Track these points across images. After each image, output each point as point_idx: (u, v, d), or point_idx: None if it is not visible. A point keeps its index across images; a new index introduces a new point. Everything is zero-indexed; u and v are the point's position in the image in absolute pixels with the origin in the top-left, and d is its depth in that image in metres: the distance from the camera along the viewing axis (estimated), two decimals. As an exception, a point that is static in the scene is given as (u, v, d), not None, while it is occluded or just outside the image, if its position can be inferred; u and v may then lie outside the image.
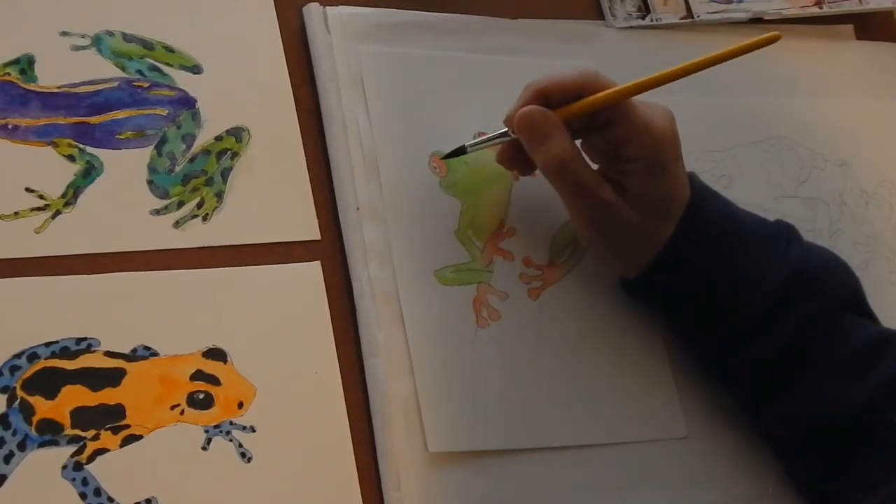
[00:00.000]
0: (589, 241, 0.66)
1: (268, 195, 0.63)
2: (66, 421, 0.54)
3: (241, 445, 0.57)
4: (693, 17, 0.79)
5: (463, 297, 0.64)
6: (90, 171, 0.60)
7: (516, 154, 0.64)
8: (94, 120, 0.61)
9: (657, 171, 0.62)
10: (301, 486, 0.57)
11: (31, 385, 0.54)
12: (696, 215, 0.63)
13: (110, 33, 0.64)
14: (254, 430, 0.57)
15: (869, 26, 0.87)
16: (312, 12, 0.68)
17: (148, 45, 0.64)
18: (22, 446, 0.53)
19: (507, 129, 0.63)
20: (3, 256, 0.56)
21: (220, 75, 0.65)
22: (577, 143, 0.65)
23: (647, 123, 0.61)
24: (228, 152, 0.63)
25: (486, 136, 0.65)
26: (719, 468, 0.66)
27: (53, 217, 0.58)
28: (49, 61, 0.62)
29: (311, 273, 0.62)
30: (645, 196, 0.62)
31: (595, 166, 0.65)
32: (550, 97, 0.62)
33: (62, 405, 0.54)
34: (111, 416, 0.55)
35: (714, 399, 0.67)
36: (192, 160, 0.62)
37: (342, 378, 0.60)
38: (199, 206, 0.61)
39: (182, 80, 0.64)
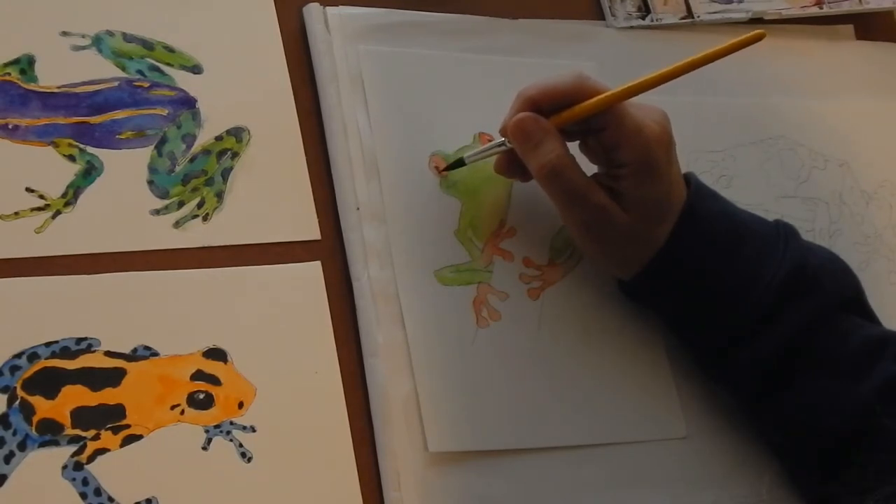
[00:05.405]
0: (583, 245, 0.65)
1: (268, 195, 0.63)
2: (67, 421, 0.54)
3: (241, 445, 0.57)
4: (693, 17, 0.79)
5: (463, 297, 0.64)
6: (90, 171, 0.60)
7: (513, 162, 0.64)
8: (94, 120, 0.61)
9: (649, 175, 0.62)
10: (301, 486, 0.57)
11: (32, 385, 0.54)
12: (693, 217, 0.63)
13: (110, 33, 0.64)
14: (254, 430, 0.57)
15: (869, 26, 0.87)
16: (312, 12, 0.68)
17: (148, 45, 0.64)
18: (22, 446, 0.53)
19: (503, 138, 0.64)
20: (3, 256, 0.56)
21: (220, 75, 0.65)
22: (575, 144, 0.65)
23: (637, 127, 0.61)
24: (228, 152, 0.63)
25: (484, 147, 0.65)
26: (719, 468, 0.66)
27: (53, 217, 0.58)
28: (49, 61, 0.61)
29: (311, 273, 0.62)
30: (638, 199, 0.62)
31: (594, 168, 0.65)
32: (542, 104, 0.62)
33: (62, 405, 0.54)
34: (111, 416, 0.55)
35: (714, 399, 0.67)
36: (192, 160, 0.62)
37: (342, 378, 0.60)
38: (200, 206, 0.61)
39: (182, 80, 0.64)
